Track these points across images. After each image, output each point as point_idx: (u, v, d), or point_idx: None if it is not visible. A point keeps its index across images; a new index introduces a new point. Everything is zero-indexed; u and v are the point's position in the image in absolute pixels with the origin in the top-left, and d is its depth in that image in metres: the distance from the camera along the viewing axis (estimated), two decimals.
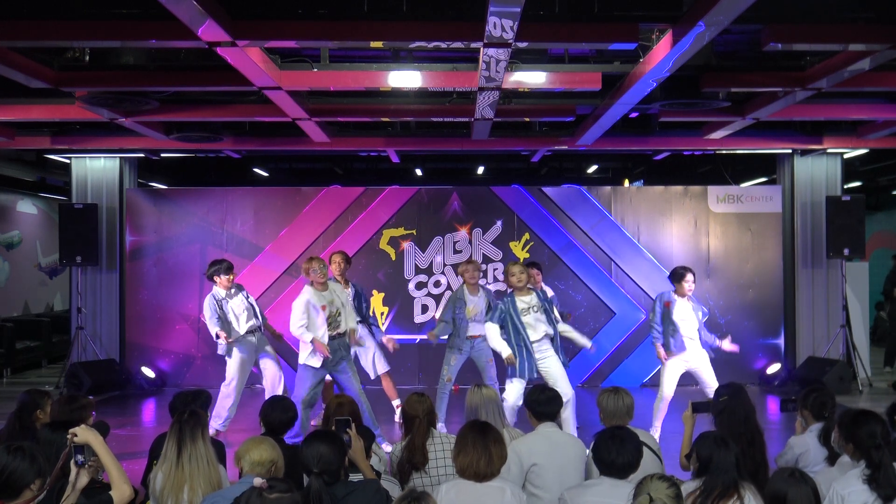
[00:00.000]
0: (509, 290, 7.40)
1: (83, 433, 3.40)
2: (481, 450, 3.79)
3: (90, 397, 5.28)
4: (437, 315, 8.82)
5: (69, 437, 3.39)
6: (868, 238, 12.16)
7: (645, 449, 4.13)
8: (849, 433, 3.96)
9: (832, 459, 4.50)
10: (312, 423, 7.70)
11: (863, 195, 11.78)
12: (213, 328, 7.74)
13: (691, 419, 4.88)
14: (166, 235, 11.33)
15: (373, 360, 8.46)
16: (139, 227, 11.35)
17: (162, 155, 11.74)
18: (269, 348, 8.16)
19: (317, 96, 8.46)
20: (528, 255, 11.25)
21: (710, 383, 7.98)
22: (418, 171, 15.41)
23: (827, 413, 4.71)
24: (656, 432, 7.88)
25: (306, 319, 7.25)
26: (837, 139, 10.46)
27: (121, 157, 11.45)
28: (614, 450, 3.82)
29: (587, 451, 4.51)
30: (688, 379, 11.18)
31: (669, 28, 5.91)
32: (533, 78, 7.21)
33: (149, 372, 11.00)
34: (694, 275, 8.08)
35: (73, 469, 3.34)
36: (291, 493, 3.12)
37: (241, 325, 7.86)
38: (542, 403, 4.68)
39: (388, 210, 11.33)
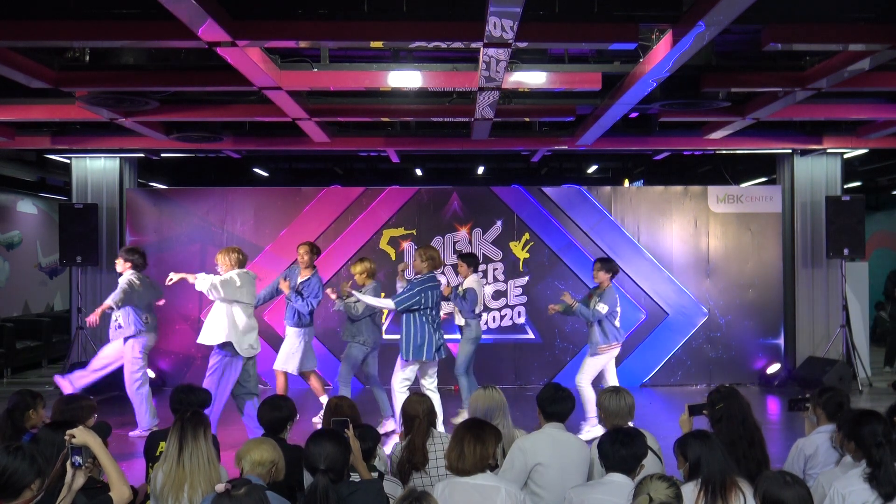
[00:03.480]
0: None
1: (81, 435, 3.40)
2: (454, 444, 3.90)
3: (91, 398, 5.27)
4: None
5: (67, 437, 3.39)
6: (868, 238, 12.16)
7: None
8: (851, 432, 3.97)
9: None
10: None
11: (863, 195, 11.78)
12: None
13: (689, 422, 4.87)
14: (166, 235, 11.33)
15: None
16: (139, 227, 11.36)
17: (162, 155, 11.74)
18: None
19: (317, 96, 8.46)
20: (527, 255, 11.26)
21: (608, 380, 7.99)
22: (418, 171, 15.41)
23: (841, 415, 4.66)
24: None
25: None
26: (837, 139, 10.46)
27: (121, 157, 11.45)
28: (618, 444, 3.86)
29: (591, 452, 4.52)
30: (686, 379, 11.24)
31: (669, 28, 5.91)
32: (533, 78, 7.21)
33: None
34: (594, 264, 8.17)
35: (70, 470, 3.34)
36: (256, 485, 3.23)
37: None
38: (551, 402, 4.68)
39: (388, 210, 11.33)
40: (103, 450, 3.45)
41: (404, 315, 7.40)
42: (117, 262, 8.34)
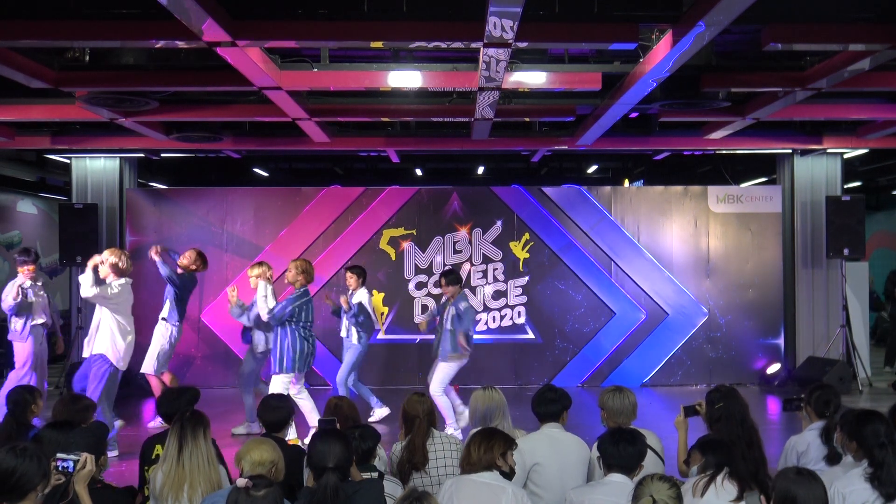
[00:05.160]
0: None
1: (86, 473, 3.51)
2: (465, 446, 3.99)
3: (91, 398, 5.28)
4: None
5: (82, 458, 3.49)
6: (868, 238, 12.16)
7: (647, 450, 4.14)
8: (853, 432, 3.97)
9: (832, 459, 4.50)
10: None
11: (863, 195, 11.79)
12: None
13: (684, 424, 4.88)
14: (166, 235, 11.32)
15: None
16: (139, 227, 11.35)
17: (162, 155, 11.74)
18: None
19: (317, 96, 8.46)
20: (527, 255, 11.26)
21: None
22: (418, 171, 15.42)
23: (829, 412, 4.71)
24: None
25: None
26: (837, 139, 10.46)
27: (121, 157, 11.45)
28: (618, 444, 3.87)
29: (591, 453, 4.52)
30: (686, 379, 11.24)
31: (669, 28, 5.91)
32: (533, 78, 7.21)
33: None
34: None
35: (55, 474, 3.37)
36: (276, 487, 3.26)
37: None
38: (538, 403, 4.68)
39: (388, 210, 11.33)
40: (85, 491, 3.54)
41: (278, 327, 7.57)
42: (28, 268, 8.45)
